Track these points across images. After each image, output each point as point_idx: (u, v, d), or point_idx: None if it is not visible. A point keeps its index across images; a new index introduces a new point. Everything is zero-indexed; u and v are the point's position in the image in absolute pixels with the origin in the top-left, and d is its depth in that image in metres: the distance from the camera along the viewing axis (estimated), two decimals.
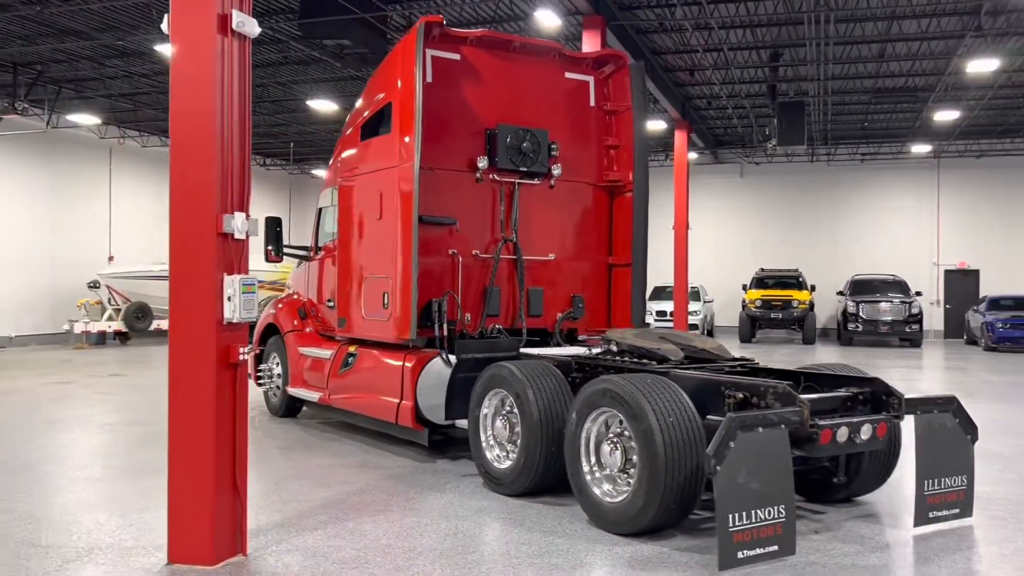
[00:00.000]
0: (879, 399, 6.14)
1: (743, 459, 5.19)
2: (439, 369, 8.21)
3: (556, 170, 9.11)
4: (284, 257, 10.97)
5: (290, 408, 11.13)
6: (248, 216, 5.42)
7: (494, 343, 8.34)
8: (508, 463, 7.09)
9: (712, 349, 7.20)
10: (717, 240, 32.67)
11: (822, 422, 5.61)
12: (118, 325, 24.68)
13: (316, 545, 5.71)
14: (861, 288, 27.32)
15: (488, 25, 16.61)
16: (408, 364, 8.28)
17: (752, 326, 27.22)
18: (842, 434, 5.68)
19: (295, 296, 11.43)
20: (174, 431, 5.35)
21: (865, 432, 5.80)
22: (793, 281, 28.33)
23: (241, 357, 5.33)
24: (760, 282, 28.42)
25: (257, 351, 11.73)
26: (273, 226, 10.74)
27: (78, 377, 15.95)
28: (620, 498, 5.93)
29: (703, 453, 5.62)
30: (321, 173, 36.03)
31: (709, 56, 19.36)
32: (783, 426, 5.38)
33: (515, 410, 7.06)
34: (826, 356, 21.90)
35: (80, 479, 7.60)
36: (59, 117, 23.71)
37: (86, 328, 23.69)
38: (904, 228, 31.34)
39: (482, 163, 8.71)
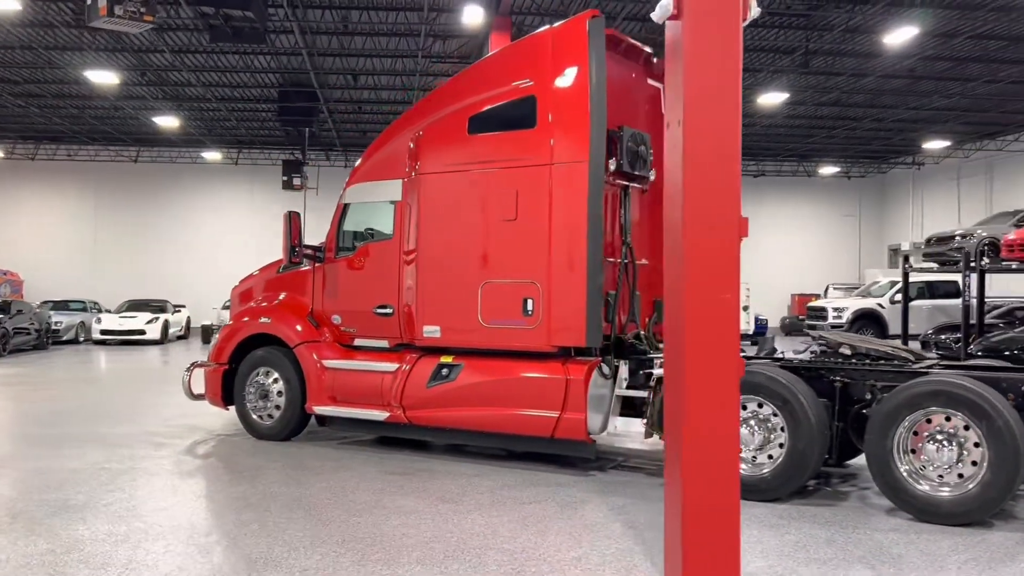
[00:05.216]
0: None
1: None
2: (599, 379, 7.95)
3: (652, 175, 9.12)
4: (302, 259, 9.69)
5: (293, 430, 9.74)
6: None
7: None
8: (763, 470, 7.09)
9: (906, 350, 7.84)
10: None
11: None
12: None
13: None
14: None
15: (414, 12, 15.94)
16: (574, 375, 7.85)
17: None
18: None
19: (292, 300, 9.99)
20: (690, 450, 4.76)
21: None
22: None
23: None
24: None
25: (225, 367, 10.06)
26: (296, 223, 9.47)
27: None
28: (962, 491, 6.32)
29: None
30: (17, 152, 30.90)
31: None
32: None
33: (765, 415, 7.09)
34: None
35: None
36: None
37: None
38: None
39: (612, 165, 8.48)
